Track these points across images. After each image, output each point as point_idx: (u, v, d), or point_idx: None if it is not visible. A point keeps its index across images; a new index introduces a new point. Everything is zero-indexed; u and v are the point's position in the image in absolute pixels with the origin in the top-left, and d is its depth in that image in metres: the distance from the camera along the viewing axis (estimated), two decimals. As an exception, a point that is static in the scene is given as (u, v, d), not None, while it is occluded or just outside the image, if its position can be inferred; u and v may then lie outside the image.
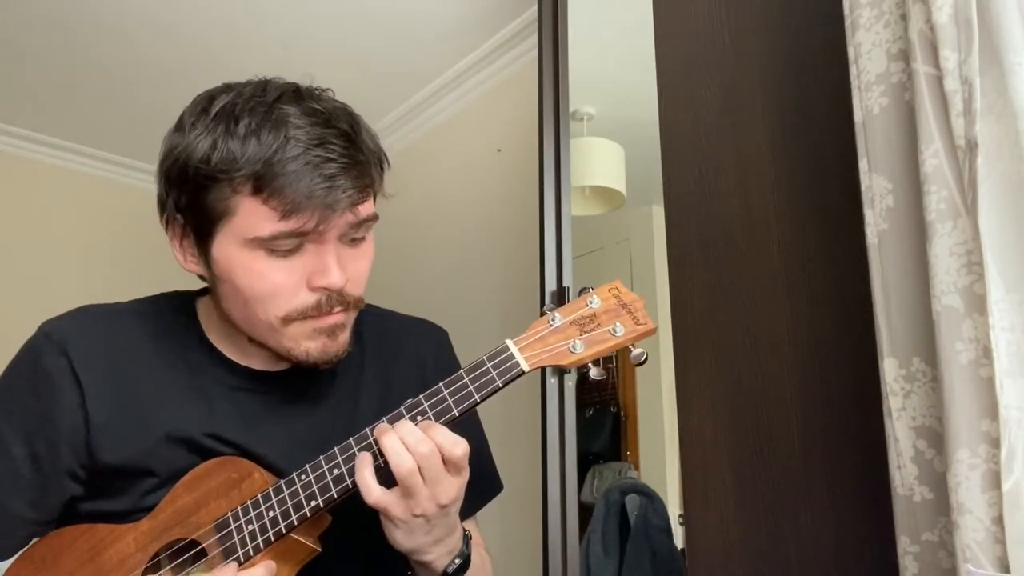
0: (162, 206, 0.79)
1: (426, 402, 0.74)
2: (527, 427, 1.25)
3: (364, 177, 0.76)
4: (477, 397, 0.73)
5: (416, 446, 0.70)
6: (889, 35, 0.78)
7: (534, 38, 1.49)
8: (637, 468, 2.05)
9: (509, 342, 0.75)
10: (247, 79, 0.81)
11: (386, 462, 0.71)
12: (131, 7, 1.96)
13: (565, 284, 1.27)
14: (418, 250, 2.34)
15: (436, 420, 0.73)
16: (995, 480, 0.61)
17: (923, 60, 0.71)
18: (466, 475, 0.73)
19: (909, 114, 0.75)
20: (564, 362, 0.74)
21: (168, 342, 0.84)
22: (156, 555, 0.76)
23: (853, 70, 0.81)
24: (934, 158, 0.69)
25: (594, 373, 0.77)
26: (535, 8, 1.47)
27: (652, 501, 1.79)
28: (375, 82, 2.30)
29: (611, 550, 1.75)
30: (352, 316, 0.81)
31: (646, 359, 0.75)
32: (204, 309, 0.87)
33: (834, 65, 0.91)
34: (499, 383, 0.73)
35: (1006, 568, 0.60)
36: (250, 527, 0.74)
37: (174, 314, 0.87)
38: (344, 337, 0.80)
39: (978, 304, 0.64)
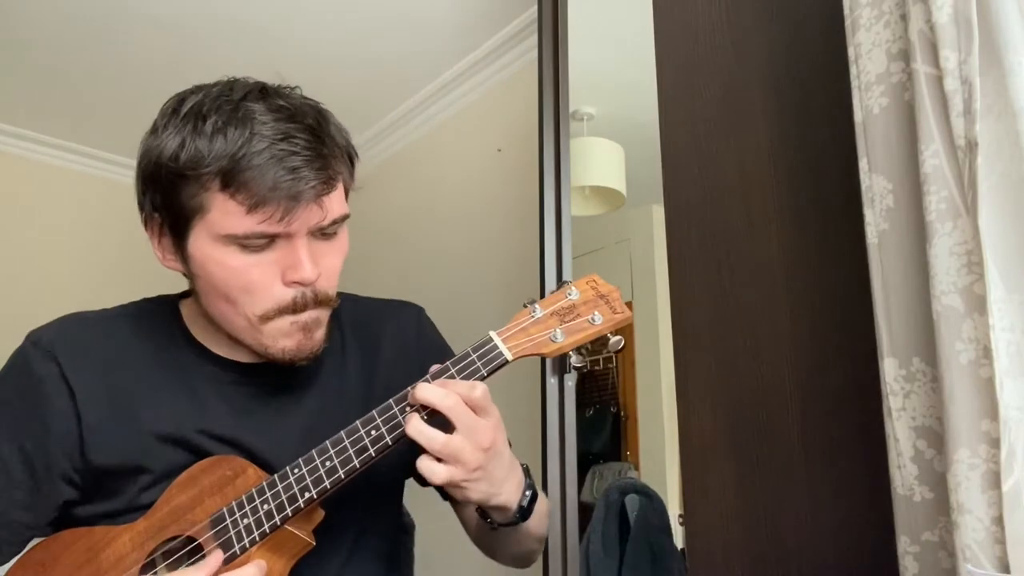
0: (141, 206, 0.81)
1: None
2: (527, 427, 1.25)
3: (328, 169, 0.77)
4: None
5: (442, 401, 0.72)
6: (889, 35, 0.78)
7: (534, 38, 1.49)
8: (637, 468, 2.05)
9: (492, 333, 0.78)
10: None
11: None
12: (131, 6, 1.96)
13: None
14: (418, 250, 2.34)
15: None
16: (995, 480, 0.61)
17: (923, 60, 0.71)
18: (496, 413, 0.76)
19: (909, 114, 0.75)
20: (545, 351, 0.78)
21: (155, 343, 0.85)
22: (152, 553, 0.76)
23: (853, 70, 0.81)
24: (934, 158, 0.69)
25: (575, 361, 0.82)
26: (535, 8, 1.47)
27: (652, 501, 1.79)
28: (375, 82, 2.30)
29: (611, 550, 1.75)
30: (327, 314, 0.83)
31: (624, 346, 0.79)
32: (188, 310, 0.89)
33: (834, 65, 0.91)
34: (484, 372, 0.76)
35: (1006, 568, 0.60)
36: (245, 521, 0.75)
37: (159, 316, 0.88)
38: (319, 334, 0.82)
39: (978, 304, 0.64)
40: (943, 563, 0.70)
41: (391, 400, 0.76)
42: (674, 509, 1.77)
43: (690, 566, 1.07)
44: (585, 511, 1.61)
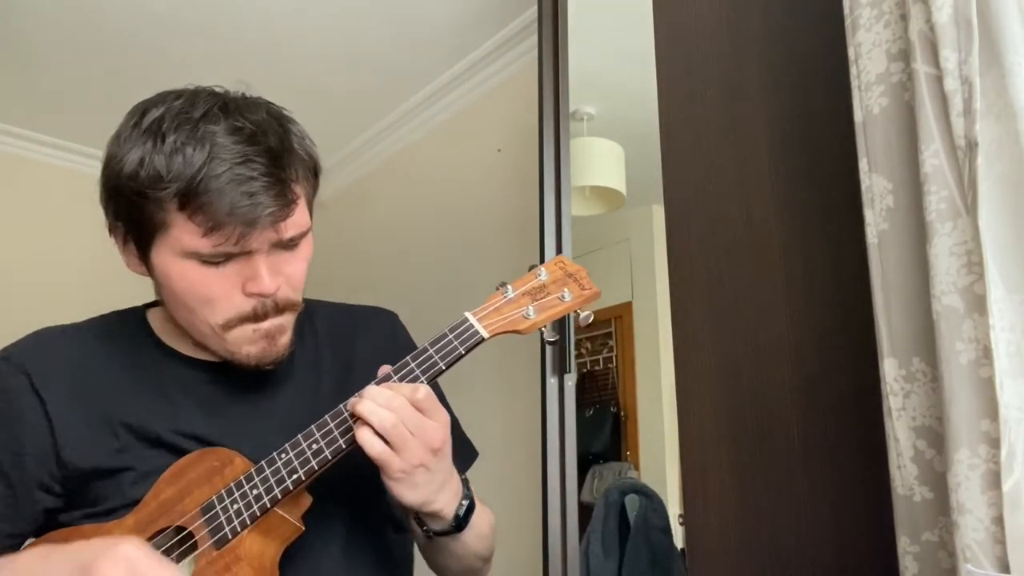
0: (105, 213, 0.82)
1: (396, 374, 0.78)
2: (527, 427, 1.26)
3: (287, 193, 0.77)
4: (442, 364, 0.78)
5: (389, 401, 0.74)
6: (889, 35, 0.79)
7: (534, 38, 1.49)
8: (637, 468, 2.06)
9: (468, 314, 0.81)
10: (220, 82, 0.83)
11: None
12: (130, 7, 1.96)
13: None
14: (418, 250, 2.34)
15: None
16: (995, 480, 0.61)
17: (923, 60, 0.71)
18: (444, 417, 0.77)
19: (909, 114, 0.75)
20: (520, 327, 0.81)
21: (124, 349, 0.87)
22: None
23: (853, 70, 0.81)
24: (934, 158, 0.69)
25: (547, 335, 0.86)
26: (535, 8, 1.47)
27: (652, 501, 1.79)
28: (375, 82, 2.30)
29: (611, 550, 1.75)
30: (291, 319, 0.84)
31: (592, 320, 0.84)
32: (156, 316, 0.90)
33: (834, 65, 0.91)
34: (461, 350, 0.79)
35: (1006, 568, 0.60)
36: (235, 506, 0.76)
37: (127, 325, 0.90)
38: (284, 340, 0.83)
39: (978, 304, 0.64)
40: (943, 563, 0.70)
41: (373, 383, 0.77)
42: (674, 509, 1.77)
43: (690, 566, 1.07)
44: (585, 511, 1.61)
